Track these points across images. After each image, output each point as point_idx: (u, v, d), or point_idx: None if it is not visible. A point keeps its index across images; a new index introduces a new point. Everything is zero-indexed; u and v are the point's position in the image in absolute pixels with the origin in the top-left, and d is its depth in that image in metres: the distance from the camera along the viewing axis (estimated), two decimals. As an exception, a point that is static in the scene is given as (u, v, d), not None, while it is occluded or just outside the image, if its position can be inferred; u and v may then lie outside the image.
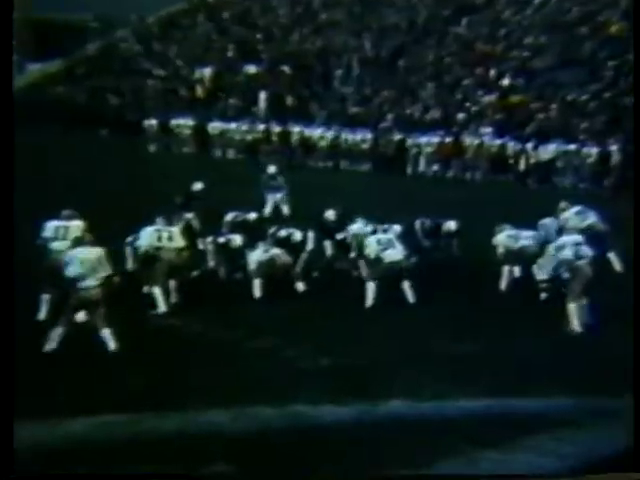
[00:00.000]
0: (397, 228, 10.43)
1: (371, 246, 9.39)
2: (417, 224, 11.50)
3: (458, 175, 20.71)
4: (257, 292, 9.31)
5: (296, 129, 23.80)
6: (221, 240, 10.44)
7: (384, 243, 9.29)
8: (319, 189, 14.74)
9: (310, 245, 10.87)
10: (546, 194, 16.18)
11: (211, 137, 25.14)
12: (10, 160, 5.67)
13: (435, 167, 21.25)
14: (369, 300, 8.91)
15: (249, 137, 24.59)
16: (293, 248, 10.37)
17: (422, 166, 21.53)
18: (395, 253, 9.16)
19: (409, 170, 21.77)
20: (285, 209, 13.79)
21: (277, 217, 13.21)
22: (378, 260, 9.15)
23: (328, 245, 10.70)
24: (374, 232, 9.98)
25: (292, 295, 9.36)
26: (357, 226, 10.33)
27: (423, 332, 7.90)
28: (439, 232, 11.27)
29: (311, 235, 10.96)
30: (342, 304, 9.04)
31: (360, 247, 9.86)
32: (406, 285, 8.98)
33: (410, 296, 8.94)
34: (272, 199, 13.98)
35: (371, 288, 8.93)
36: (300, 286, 9.52)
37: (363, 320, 8.46)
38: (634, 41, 15.58)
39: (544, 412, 5.74)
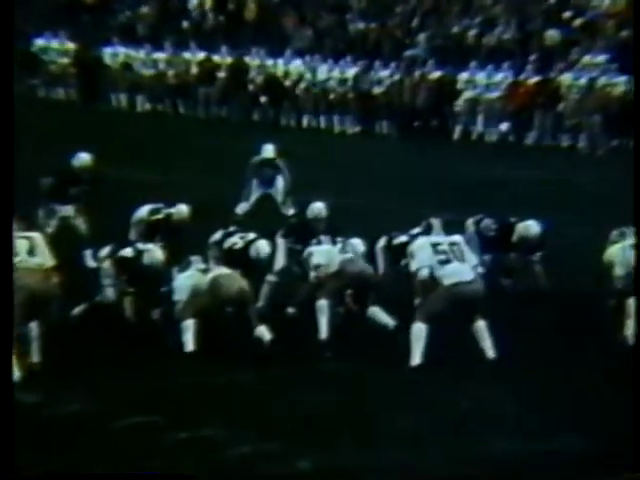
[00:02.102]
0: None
1: (422, 255, 9.37)
2: (470, 225, 11.62)
3: (545, 141, 20.82)
4: (189, 343, 9.33)
5: (258, 61, 23.95)
6: (127, 253, 10.47)
7: (446, 251, 9.30)
8: (299, 166, 14.83)
9: (281, 261, 10.99)
10: None
11: (108, 72, 25.23)
12: None
13: (504, 126, 21.37)
14: (415, 358, 8.94)
15: (173, 72, 24.71)
16: (253, 266, 10.44)
17: (480, 125, 21.69)
18: (465, 270, 9.20)
19: (457, 133, 21.93)
20: (289, 210, 14.17)
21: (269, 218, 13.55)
22: (434, 281, 9.19)
23: (314, 258, 10.71)
24: (427, 231, 10.01)
25: (251, 348, 9.38)
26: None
27: (491, 418, 7.94)
28: (509, 240, 11.37)
29: (282, 244, 11.05)
30: (340, 363, 9.09)
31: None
32: (482, 327, 9.05)
33: (489, 347, 9.01)
34: (260, 192, 14.41)
35: (421, 333, 8.98)
36: (264, 332, 9.52)
37: (378, 393, 8.50)
38: (634, 40, 18.46)
39: None
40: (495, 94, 21.34)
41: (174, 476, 6.65)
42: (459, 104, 21.74)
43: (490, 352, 9.03)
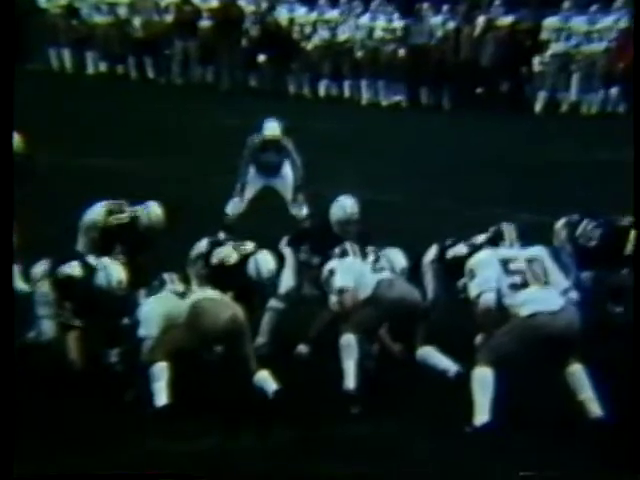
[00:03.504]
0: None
1: (486, 274, 9.40)
2: (560, 230, 11.81)
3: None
4: (161, 395, 9.37)
5: (255, 5, 24.09)
6: (72, 270, 10.58)
7: (521, 270, 9.35)
8: (315, 148, 14.81)
9: (290, 281, 11.19)
10: None
11: (45, 18, 25.41)
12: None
13: (610, 92, 21.20)
14: (481, 415, 8.90)
15: (139, 20, 24.79)
16: (251, 288, 10.62)
17: (574, 92, 21.60)
18: (548, 297, 9.24)
19: (539, 102, 22.03)
20: (301, 209, 14.38)
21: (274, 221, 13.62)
22: (503, 311, 9.24)
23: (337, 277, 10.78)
24: (495, 239, 10.29)
25: (247, 402, 9.41)
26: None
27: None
28: (619, 251, 11.44)
29: (292, 257, 11.25)
30: (374, 423, 9.14)
31: None
32: (578, 373, 9.08)
33: (591, 400, 9.04)
34: (261, 184, 14.58)
35: (486, 381, 8.99)
36: (266, 380, 9.58)
37: (428, 463, 8.49)
38: (634, 39, 19.52)
39: None
40: (600, 46, 21.09)
41: (175, 476, 7.42)
42: (543, 62, 21.65)
43: (592, 407, 9.03)
